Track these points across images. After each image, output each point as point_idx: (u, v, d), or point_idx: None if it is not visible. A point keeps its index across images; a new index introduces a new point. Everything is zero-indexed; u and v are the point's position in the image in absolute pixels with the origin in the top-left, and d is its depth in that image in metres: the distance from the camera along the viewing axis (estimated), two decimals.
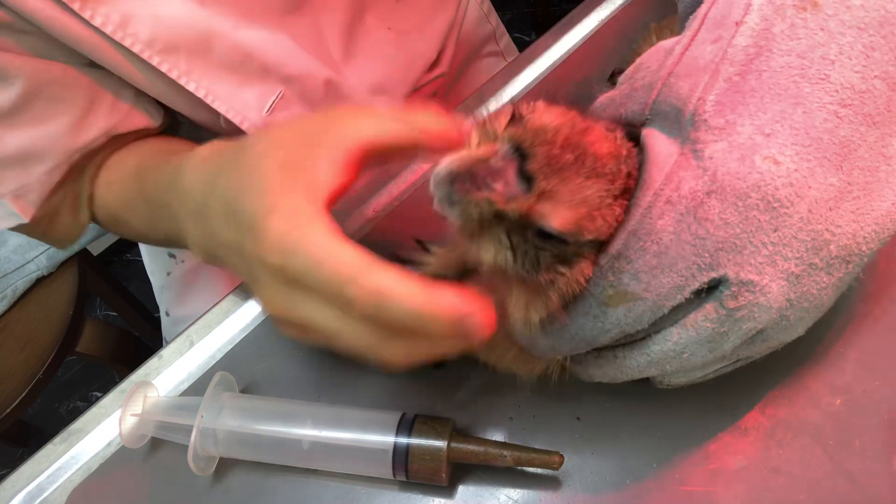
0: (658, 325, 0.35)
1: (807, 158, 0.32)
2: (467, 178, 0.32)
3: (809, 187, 0.32)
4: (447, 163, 0.33)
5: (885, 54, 0.33)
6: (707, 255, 0.32)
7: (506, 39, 0.91)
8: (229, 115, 0.59)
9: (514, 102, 0.37)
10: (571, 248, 0.33)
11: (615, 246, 0.34)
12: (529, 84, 0.67)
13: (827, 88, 0.32)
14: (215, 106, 0.58)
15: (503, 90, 0.67)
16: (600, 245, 0.35)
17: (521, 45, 0.76)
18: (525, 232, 0.33)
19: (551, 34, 0.70)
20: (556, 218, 0.32)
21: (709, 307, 0.34)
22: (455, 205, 0.33)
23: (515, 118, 0.35)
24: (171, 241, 0.63)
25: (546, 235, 0.33)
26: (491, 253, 0.34)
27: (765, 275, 0.32)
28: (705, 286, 0.33)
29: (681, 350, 0.36)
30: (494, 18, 0.88)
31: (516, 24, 2.25)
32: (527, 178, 0.32)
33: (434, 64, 0.77)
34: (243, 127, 0.60)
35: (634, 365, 0.38)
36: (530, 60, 0.69)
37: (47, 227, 0.61)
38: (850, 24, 0.33)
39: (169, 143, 0.65)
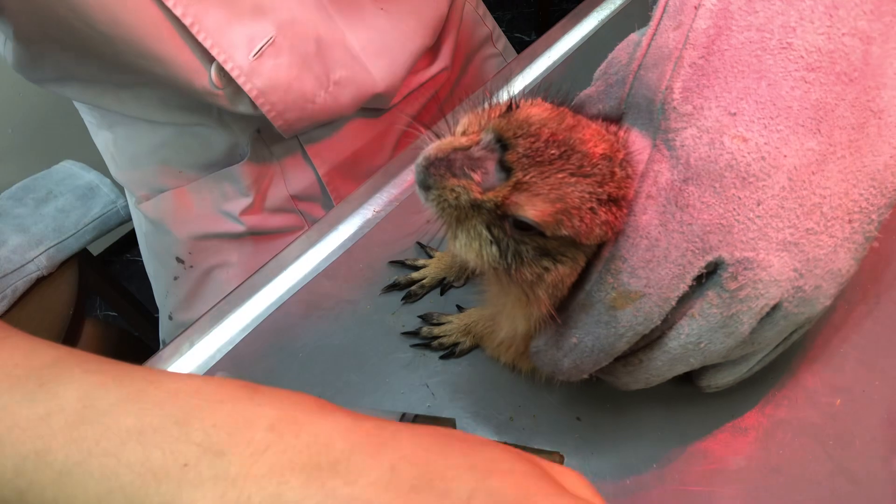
0: (669, 321, 0.35)
1: (776, 129, 0.32)
2: (443, 164, 0.32)
3: (784, 156, 0.32)
4: (427, 149, 0.33)
5: (851, 10, 0.33)
6: (697, 239, 0.32)
7: (503, 41, 0.91)
8: (214, 52, 0.57)
9: (514, 96, 0.37)
10: (551, 242, 0.33)
11: (607, 249, 0.34)
12: (529, 84, 0.67)
13: (791, 56, 0.32)
14: (200, 38, 0.56)
15: (503, 90, 0.67)
16: (587, 249, 0.34)
17: (522, 45, 0.76)
18: (504, 224, 0.33)
19: (551, 34, 0.70)
20: (531, 208, 0.31)
21: (711, 294, 0.34)
22: (430, 190, 0.32)
23: (510, 110, 0.34)
24: None
25: (524, 227, 0.32)
26: (474, 249, 0.34)
27: (759, 250, 0.32)
28: (704, 272, 0.33)
29: (696, 341, 0.35)
30: (490, 21, 0.88)
31: (516, 24, 2.25)
32: (506, 169, 0.32)
33: (434, 57, 0.76)
34: (227, 67, 0.58)
35: (660, 365, 0.37)
36: (530, 60, 0.69)
37: None
38: None
39: None
